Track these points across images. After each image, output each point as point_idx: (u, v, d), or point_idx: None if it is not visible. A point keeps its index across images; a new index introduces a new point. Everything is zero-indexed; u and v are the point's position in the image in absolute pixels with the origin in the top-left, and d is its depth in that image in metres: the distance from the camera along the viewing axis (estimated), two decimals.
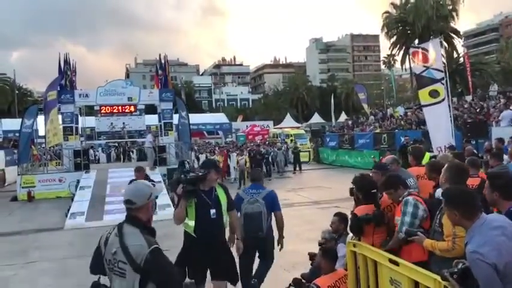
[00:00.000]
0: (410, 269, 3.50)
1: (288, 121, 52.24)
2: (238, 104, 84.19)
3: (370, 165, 22.19)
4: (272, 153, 22.25)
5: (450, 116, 13.49)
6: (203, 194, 4.68)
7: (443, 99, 13.41)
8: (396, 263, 3.69)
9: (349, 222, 4.52)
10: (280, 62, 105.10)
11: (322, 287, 4.48)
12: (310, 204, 13.76)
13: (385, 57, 79.06)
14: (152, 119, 40.83)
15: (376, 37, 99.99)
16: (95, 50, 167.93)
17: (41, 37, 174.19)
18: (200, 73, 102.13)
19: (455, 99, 24.59)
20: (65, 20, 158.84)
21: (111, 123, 39.07)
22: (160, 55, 20.06)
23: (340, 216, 5.64)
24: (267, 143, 26.03)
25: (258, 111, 66.93)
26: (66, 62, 18.59)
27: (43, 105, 19.36)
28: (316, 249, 6.18)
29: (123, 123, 38.83)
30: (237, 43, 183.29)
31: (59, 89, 18.42)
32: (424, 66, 12.47)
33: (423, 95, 12.95)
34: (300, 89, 66.64)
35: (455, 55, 42.90)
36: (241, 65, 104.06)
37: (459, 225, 2.83)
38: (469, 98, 24.39)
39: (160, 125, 20.91)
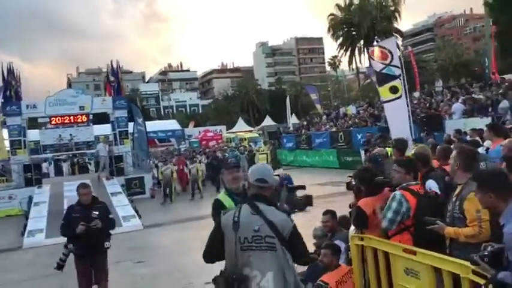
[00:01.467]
0: (432, 257, 3.47)
1: (241, 125, 52.30)
2: (188, 110, 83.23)
3: (328, 163, 22.75)
4: (230, 158, 21.64)
5: (408, 111, 13.96)
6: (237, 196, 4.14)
7: (401, 95, 13.88)
8: (413, 252, 3.66)
9: (353, 216, 4.41)
10: (228, 67, 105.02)
11: (331, 284, 4.39)
12: None
13: (330, 58, 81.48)
14: (100, 129, 39.53)
15: (320, 39, 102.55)
16: (30, 60, 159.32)
17: None
18: (146, 80, 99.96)
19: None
20: None
21: (59, 135, 37.50)
22: (111, 61, 19.34)
23: (331, 213, 5.60)
24: (225, 147, 25.54)
25: (209, 116, 66.46)
26: (10, 71, 17.42)
27: None
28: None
29: (70, 134, 37.41)
30: (182, 49, 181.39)
31: (2, 100, 17.26)
32: (383, 64, 12.77)
33: (384, 91, 13.22)
34: (250, 92, 66.90)
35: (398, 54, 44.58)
36: (188, 70, 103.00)
37: (493, 208, 2.80)
38: (416, 94, 25.38)
39: (115, 134, 20.10)
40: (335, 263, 4.64)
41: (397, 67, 13.50)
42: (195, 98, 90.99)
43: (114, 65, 19.14)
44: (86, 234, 5.37)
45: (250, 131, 48.14)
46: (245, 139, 39.74)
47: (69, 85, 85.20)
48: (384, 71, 12.76)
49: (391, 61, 12.93)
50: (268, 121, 53.95)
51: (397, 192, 3.93)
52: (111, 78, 19.24)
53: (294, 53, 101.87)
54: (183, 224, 12.52)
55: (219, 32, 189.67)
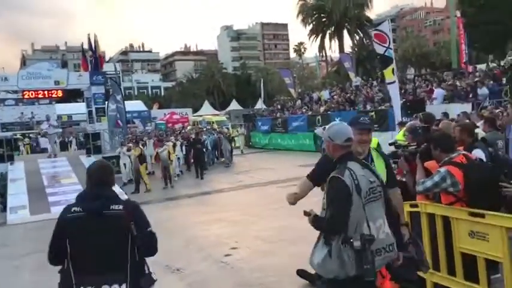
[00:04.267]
0: (503, 218, 3.60)
1: (207, 108, 51.88)
2: (150, 92, 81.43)
3: (304, 146, 23.00)
4: (210, 141, 20.36)
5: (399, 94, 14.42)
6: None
7: (394, 80, 14.30)
8: (481, 215, 3.76)
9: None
10: (191, 50, 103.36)
11: None
12: (267, 184, 13.71)
13: (296, 45, 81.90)
14: (62, 108, 38.00)
15: (285, 26, 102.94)
16: None
17: None
18: (106, 60, 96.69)
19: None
20: None
21: (22, 112, 35.74)
22: (88, 35, 18.43)
23: None
24: (204, 129, 24.97)
25: (173, 99, 65.32)
26: None
27: None
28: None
29: (32, 112, 35.77)
30: (143, 30, 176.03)
31: None
32: (384, 47, 13.03)
33: (388, 73, 13.63)
34: (216, 76, 66.24)
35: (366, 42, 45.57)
36: (150, 51, 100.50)
37: None
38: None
39: (90, 111, 19.39)
40: None
41: (392, 50, 13.89)
42: (157, 80, 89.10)
43: (92, 40, 18.33)
44: None
45: (217, 115, 47.85)
46: (213, 122, 39.44)
47: (24, 62, 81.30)
48: (386, 54, 13.07)
49: (389, 44, 13.23)
50: (234, 105, 53.77)
51: (442, 169, 4.01)
52: (89, 53, 18.42)
53: (259, 38, 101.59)
54: (174, 202, 12.34)
55: (182, 13, 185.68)
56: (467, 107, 14.59)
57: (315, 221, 2.93)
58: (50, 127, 18.22)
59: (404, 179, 4.84)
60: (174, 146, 17.00)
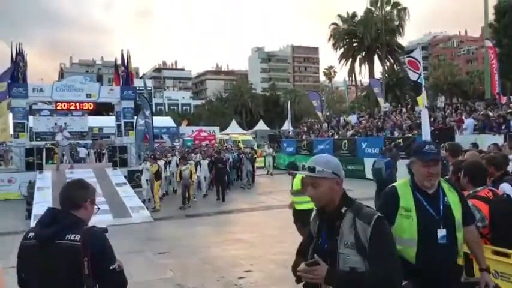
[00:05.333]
0: None
1: (234, 127, 52.25)
2: (180, 109, 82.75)
3: None
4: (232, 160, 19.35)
5: (429, 121, 14.18)
6: (425, 198, 2.87)
7: (425, 107, 14.12)
8: (506, 255, 3.57)
9: None
10: (222, 69, 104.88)
11: None
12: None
13: (326, 69, 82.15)
14: (94, 121, 39.06)
15: (316, 49, 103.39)
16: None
17: None
18: (139, 76, 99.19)
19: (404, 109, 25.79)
20: None
21: (55, 123, 36.83)
22: (122, 51, 19.02)
23: None
24: (226, 147, 24.86)
25: (202, 116, 66.16)
26: (19, 52, 16.99)
27: None
28: None
29: (65, 123, 36.77)
30: (178, 48, 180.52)
31: (9, 81, 16.82)
32: (417, 73, 12.91)
33: (420, 100, 13.47)
34: (245, 96, 66.88)
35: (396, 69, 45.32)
36: (183, 69, 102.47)
37: None
38: (418, 108, 25.64)
39: (118, 124, 19.78)
40: None
41: (422, 77, 13.74)
42: (187, 98, 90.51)
43: (125, 55, 18.86)
44: None
45: (244, 134, 48.10)
46: (239, 141, 39.62)
47: (62, 75, 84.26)
48: (419, 80, 12.94)
49: (421, 71, 13.10)
50: (261, 125, 54.03)
51: (469, 203, 3.81)
52: (121, 69, 18.93)
53: (289, 61, 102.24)
54: (194, 219, 12.32)
55: (215, 34, 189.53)
56: (498, 139, 14.15)
57: (338, 276, 2.11)
58: (64, 139, 17.88)
59: None
60: (197, 164, 16.28)
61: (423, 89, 13.15)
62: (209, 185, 17.30)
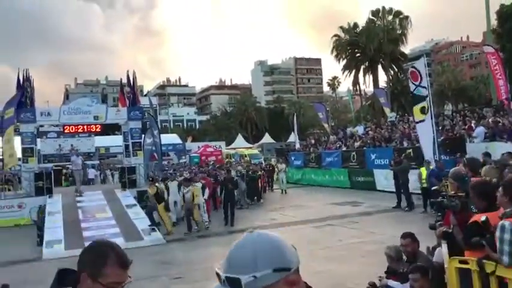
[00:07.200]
0: None
1: (240, 141, 52.24)
2: (185, 125, 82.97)
3: (339, 183, 22.58)
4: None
5: (433, 132, 13.96)
6: None
7: (428, 116, 13.94)
8: None
9: (467, 234, 4.11)
10: (226, 84, 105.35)
11: None
12: (301, 223, 13.41)
13: (330, 79, 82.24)
14: (100, 141, 39.28)
15: (318, 60, 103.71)
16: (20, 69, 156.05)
17: None
18: (144, 94, 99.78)
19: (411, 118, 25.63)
20: None
21: (59, 145, 37.08)
22: (128, 72, 19.15)
23: (412, 237, 5.31)
24: (230, 164, 24.37)
25: (208, 132, 66.28)
26: (26, 78, 17.13)
27: None
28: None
29: (72, 145, 36.97)
30: (180, 65, 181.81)
31: (16, 107, 16.92)
32: (414, 85, 12.84)
33: (416, 112, 13.32)
34: (249, 109, 67.03)
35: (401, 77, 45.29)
36: (186, 86, 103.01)
37: None
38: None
39: (127, 145, 19.79)
40: (426, 286, 4.41)
41: (425, 88, 13.63)
42: (192, 113, 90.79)
43: (130, 76, 18.96)
44: None
45: (250, 148, 48.06)
46: (245, 155, 39.61)
47: (67, 96, 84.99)
48: (415, 92, 12.86)
49: (420, 82, 13.01)
50: (267, 138, 54.01)
51: (506, 222, 3.67)
52: (127, 89, 19.01)
53: (292, 73, 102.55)
54: (205, 240, 12.19)
55: (217, 48, 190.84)
56: (510, 147, 13.98)
57: None
58: (74, 164, 17.59)
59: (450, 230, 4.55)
60: (204, 187, 14.53)
61: (425, 100, 13.00)
62: (214, 205, 16.22)
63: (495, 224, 3.75)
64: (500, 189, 3.94)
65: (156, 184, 14.43)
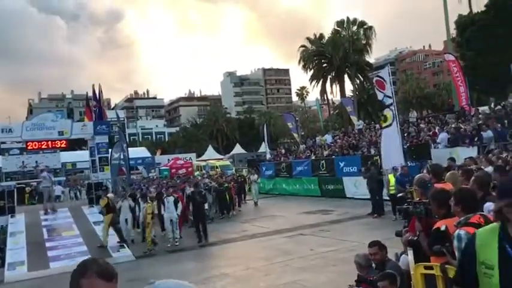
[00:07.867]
0: None
1: (210, 153, 51.90)
2: (154, 138, 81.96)
3: (310, 191, 22.71)
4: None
5: (399, 139, 14.25)
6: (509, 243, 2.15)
7: (391, 124, 14.21)
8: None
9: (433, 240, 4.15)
10: (195, 95, 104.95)
11: None
12: (273, 233, 13.37)
13: (298, 89, 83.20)
14: (67, 156, 38.20)
15: (286, 71, 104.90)
16: None
17: None
18: (111, 107, 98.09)
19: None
20: None
21: (22, 162, 35.82)
22: (93, 86, 18.78)
23: (379, 245, 5.37)
24: (201, 176, 24.00)
25: (177, 144, 65.63)
26: None
27: None
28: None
29: (36, 161, 35.81)
30: (148, 77, 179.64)
31: None
32: (382, 93, 13.10)
33: (382, 119, 13.56)
34: (220, 120, 66.89)
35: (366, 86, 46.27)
36: (155, 98, 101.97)
37: None
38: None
39: (93, 160, 19.32)
40: None
41: (389, 97, 13.93)
42: (161, 126, 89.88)
43: (96, 90, 18.59)
44: None
45: (221, 159, 47.77)
46: (217, 167, 39.31)
47: (30, 111, 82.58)
48: (383, 100, 13.12)
49: (388, 90, 13.29)
50: (238, 149, 53.88)
51: (461, 231, 3.72)
52: (93, 103, 18.62)
53: (262, 83, 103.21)
54: (177, 255, 11.98)
55: (185, 60, 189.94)
56: (472, 151, 14.43)
57: None
58: (45, 180, 16.83)
59: (416, 237, 4.61)
60: (177, 202, 13.32)
61: (393, 106, 13.28)
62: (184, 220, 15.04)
63: (453, 231, 3.82)
64: (452, 198, 4.00)
65: (108, 195, 13.66)
